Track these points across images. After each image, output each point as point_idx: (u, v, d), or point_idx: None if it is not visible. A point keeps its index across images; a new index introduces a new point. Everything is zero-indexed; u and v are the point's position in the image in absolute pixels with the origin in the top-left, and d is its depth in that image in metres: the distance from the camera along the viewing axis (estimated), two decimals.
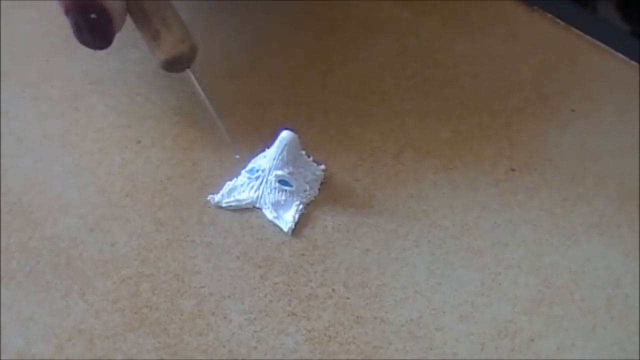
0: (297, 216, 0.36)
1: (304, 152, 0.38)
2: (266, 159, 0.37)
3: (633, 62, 0.44)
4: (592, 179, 0.38)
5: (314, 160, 0.38)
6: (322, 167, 0.38)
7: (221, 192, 0.37)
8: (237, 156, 0.37)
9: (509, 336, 0.33)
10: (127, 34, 0.43)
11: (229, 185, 0.37)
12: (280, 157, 0.36)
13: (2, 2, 0.44)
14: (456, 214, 0.37)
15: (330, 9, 0.45)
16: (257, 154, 0.38)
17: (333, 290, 0.34)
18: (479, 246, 0.36)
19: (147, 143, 0.39)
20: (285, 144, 0.36)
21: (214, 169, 0.38)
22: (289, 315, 0.33)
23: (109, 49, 0.42)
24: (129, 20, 0.38)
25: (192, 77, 0.37)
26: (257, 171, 0.37)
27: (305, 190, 0.37)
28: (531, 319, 0.33)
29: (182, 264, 0.34)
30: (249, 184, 0.37)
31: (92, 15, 0.35)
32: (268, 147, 0.37)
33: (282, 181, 0.36)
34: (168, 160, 0.38)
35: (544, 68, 0.43)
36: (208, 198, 0.37)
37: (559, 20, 0.46)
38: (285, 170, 0.36)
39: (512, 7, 0.46)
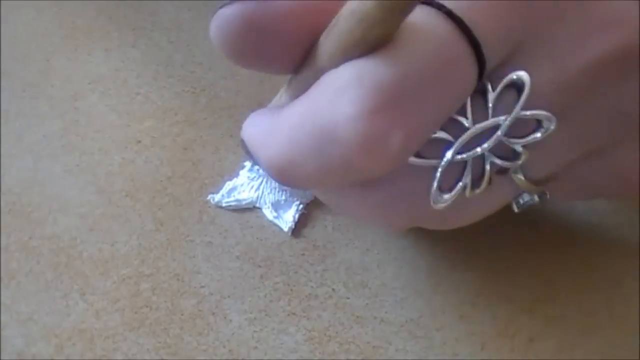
0: (297, 216, 0.36)
1: None
2: None
3: None
4: None
5: None
6: None
7: (221, 192, 0.37)
8: None
9: (509, 336, 0.33)
10: (127, 33, 0.43)
11: (229, 185, 0.37)
12: None
13: (2, 2, 0.44)
14: None
15: None
16: None
17: (333, 290, 0.34)
18: (479, 246, 0.36)
19: (147, 143, 0.39)
20: None
21: (214, 169, 0.38)
22: (289, 315, 0.33)
23: (108, 48, 0.42)
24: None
25: None
26: (257, 171, 0.37)
27: (306, 190, 0.37)
28: (531, 319, 0.33)
29: (182, 264, 0.34)
30: (249, 183, 0.37)
31: None
32: None
33: None
34: (168, 160, 0.38)
35: None
36: (208, 198, 0.37)
37: None
38: None
39: None
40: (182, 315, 0.33)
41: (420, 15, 0.25)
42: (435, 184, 0.28)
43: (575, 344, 0.33)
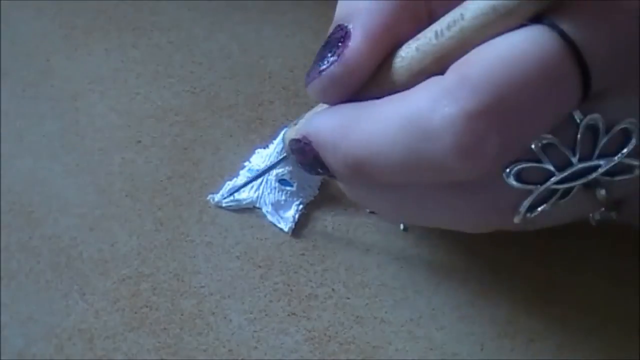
0: (297, 216, 0.36)
1: None
2: (266, 158, 0.37)
3: None
4: None
5: None
6: None
7: (221, 192, 0.37)
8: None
9: (509, 336, 0.33)
10: (127, 33, 0.44)
11: (228, 185, 0.37)
12: (281, 156, 0.36)
13: (2, 2, 0.44)
14: None
15: (330, 9, 0.45)
16: (256, 154, 0.38)
17: (333, 290, 0.34)
18: (478, 246, 0.36)
19: (147, 143, 0.39)
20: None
21: (214, 169, 0.38)
22: (289, 315, 0.33)
23: (108, 48, 0.42)
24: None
25: None
26: (257, 171, 0.37)
27: (305, 190, 0.37)
28: (531, 319, 0.33)
29: (182, 264, 0.35)
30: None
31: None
32: (267, 147, 0.37)
33: (282, 181, 0.36)
34: (168, 160, 0.38)
35: None
36: (208, 198, 0.37)
37: None
38: (286, 169, 0.36)
39: None
40: (182, 315, 0.33)
41: (532, 31, 0.25)
42: (526, 205, 0.28)
43: (575, 344, 0.33)
